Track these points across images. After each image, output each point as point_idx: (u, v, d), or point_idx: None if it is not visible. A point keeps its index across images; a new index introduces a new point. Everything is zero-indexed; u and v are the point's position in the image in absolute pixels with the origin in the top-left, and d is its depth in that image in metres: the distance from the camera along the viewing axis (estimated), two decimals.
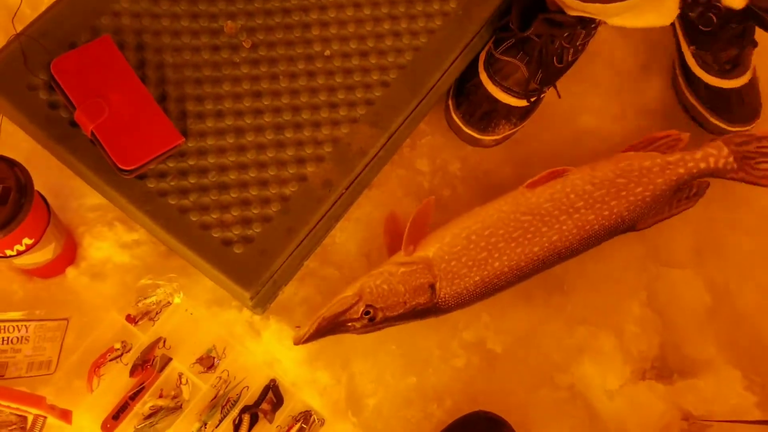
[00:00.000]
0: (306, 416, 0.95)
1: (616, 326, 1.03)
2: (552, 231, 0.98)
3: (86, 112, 0.85)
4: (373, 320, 0.93)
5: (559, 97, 1.06)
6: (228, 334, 0.97)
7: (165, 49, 0.94)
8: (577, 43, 1.03)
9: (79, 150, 0.88)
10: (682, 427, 0.99)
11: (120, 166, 0.85)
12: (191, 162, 0.91)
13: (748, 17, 1.05)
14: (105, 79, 0.87)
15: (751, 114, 1.13)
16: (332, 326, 0.92)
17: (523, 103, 1.05)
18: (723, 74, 1.11)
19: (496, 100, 1.05)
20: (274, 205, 0.91)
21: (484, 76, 1.05)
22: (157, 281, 0.96)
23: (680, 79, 1.16)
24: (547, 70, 1.03)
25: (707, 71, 1.11)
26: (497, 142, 1.10)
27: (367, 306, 0.92)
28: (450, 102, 1.09)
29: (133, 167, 0.85)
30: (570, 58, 1.04)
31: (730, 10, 1.04)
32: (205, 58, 0.94)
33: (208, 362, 0.95)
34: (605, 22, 1.01)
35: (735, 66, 1.11)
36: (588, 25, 1.01)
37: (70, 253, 0.96)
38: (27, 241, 0.84)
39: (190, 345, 0.96)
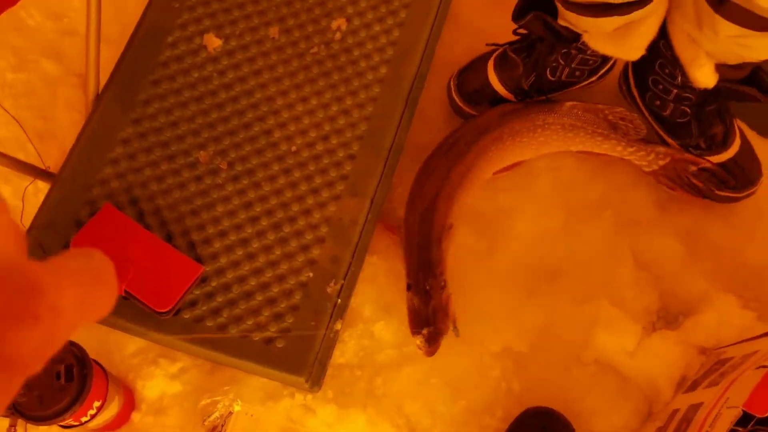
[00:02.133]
0: None
1: (616, 293, 1.09)
2: None
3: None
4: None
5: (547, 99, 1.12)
6: (289, 421, 1.03)
7: (156, 195, 1.01)
8: (573, 65, 1.09)
9: (117, 309, 0.94)
10: (701, 361, 1.03)
11: (158, 310, 0.92)
12: (213, 283, 0.98)
13: (721, 94, 1.03)
14: (119, 241, 0.94)
15: (756, 174, 1.11)
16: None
17: (509, 96, 1.12)
18: (717, 149, 1.09)
19: (489, 84, 1.13)
20: (297, 294, 0.99)
21: (490, 62, 1.14)
22: (215, 398, 1.02)
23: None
24: (540, 77, 1.10)
25: (701, 155, 1.09)
26: None
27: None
28: (458, 70, 1.17)
29: (170, 308, 0.92)
30: (564, 78, 1.10)
31: (701, 95, 1.03)
32: (192, 190, 1.02)
33: None
34: (587, 47, 1.03)
35: (726, 136, 1.09)
36: (568, 42, 1.04)
37: (130, 401, 1.02)
38: (96, 403, 0.91)
39: None
